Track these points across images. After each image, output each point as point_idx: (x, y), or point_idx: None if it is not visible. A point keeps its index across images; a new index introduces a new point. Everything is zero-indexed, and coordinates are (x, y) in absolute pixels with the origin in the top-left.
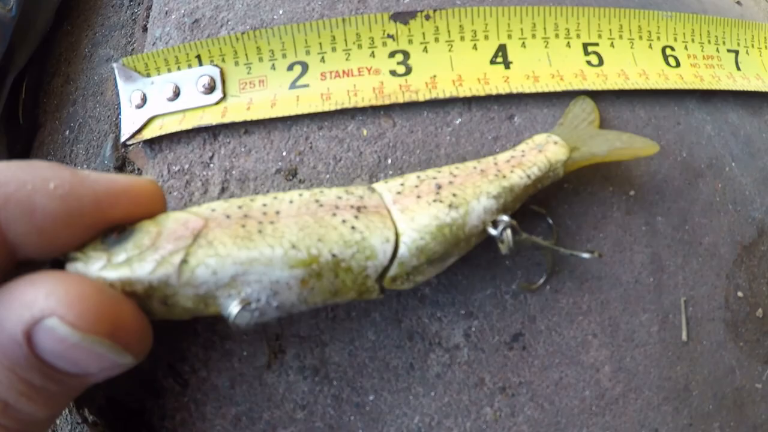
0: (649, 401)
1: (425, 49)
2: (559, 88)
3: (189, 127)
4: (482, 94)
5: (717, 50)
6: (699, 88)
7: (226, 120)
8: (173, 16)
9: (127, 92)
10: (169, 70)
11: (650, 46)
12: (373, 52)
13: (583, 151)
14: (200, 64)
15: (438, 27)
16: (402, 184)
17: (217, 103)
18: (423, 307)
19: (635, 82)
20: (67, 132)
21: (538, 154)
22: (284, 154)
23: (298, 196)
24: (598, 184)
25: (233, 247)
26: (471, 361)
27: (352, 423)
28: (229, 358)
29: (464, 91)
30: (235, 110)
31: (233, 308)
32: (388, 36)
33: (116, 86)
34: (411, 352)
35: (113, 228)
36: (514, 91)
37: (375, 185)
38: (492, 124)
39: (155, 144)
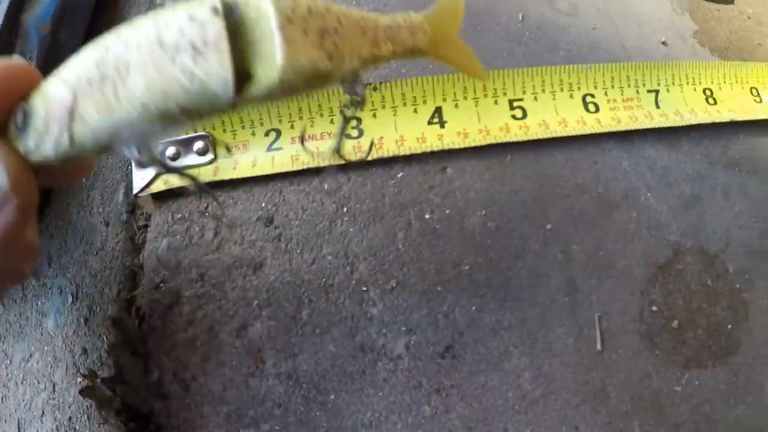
0: (567, 402)
1: (374, 115)
2: (485, 142)
3: (188, 184)
4: (419, 151)
5: (637, 92)
6: (616, 130)
7: (218, 178)
8: None
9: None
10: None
11: (571, 96)
12: (332, 120)
13: (442, 51)
14: (195, 131)
15: (384, 96)
16: (293, 9)
17: (210, 163)
18: (372, 326)
19: (554, 130)
20: (84, 180)
21: (408, 35)
22: (263, 205)
23: (144, 39)
24: (518, 221)
25: (99, 119)
26: (411, 368)
27: (318, 417)
28: (222, 367)
29: (405, 150)
30: (225, 170)
31: (125, 152)
32: (345, 107)
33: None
34: (363, 360)
35: (18, 109)
36: (447, 147)
37: None
38: (428, 176)
39: (161, 196)
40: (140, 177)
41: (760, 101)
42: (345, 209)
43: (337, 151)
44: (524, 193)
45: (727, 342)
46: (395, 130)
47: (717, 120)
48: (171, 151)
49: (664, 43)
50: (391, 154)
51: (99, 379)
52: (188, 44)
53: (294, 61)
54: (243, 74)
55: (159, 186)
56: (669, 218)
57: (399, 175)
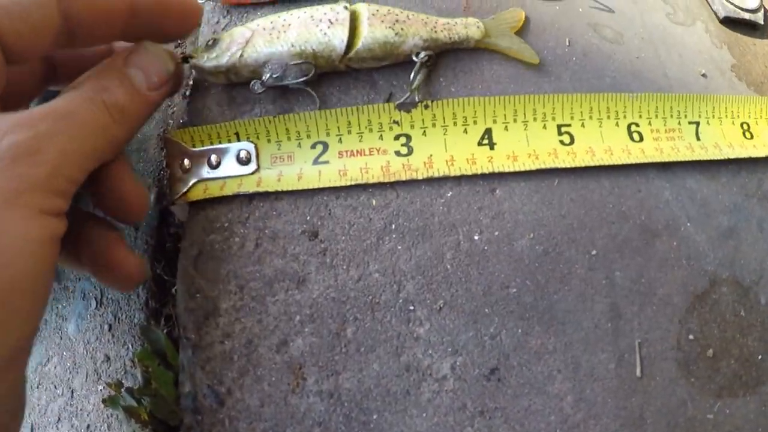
0: (606, 427)
1: (424, 133)
2: (534, 167)
3: (229, 193)
4: (470, 173)
5: (678, 123)
6: (658, 160)
7: (261, 189)
8: (213, 92)
9: (175, 160)
10: (212, 143)
11: (617, 124)
12: (381, 135)
13: (492, 41)
14: (238, 139)
15: (435, 114)
16: (378, 10)
17: (252, 173)
18: (418, 346)
19: (600, 158)
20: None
21: (463, 28)
22: (308, 218)
23: (303, 13)
24: (565, 245)
25: (264, 46)
26: (456, 390)
27: None
28: (260, 382)
29: (455, 171)
30: (268, 181)
31: (265, 75)
32: (394, 122)
33: (165, 153)
34: (408, 381)
35: (210, 38)
36: (497, 170)
37: (358, 5)
38: (478, 197)
39: (199, 203)
40: (177, 185)
41: None
42: (393, 226)
43: (407, 98)
44: (571, 217)
45: (758, 372)
46: (445, 149)
47: (753, 155)
48: (213, 158)
49: (703, 75)
50: (441, 174)
51: (124, 389)
52: (327, 19)
53: (372, 33)
54: (350, 43)
55: (198, 194)
56: (707, 248)
57: (448, 195)
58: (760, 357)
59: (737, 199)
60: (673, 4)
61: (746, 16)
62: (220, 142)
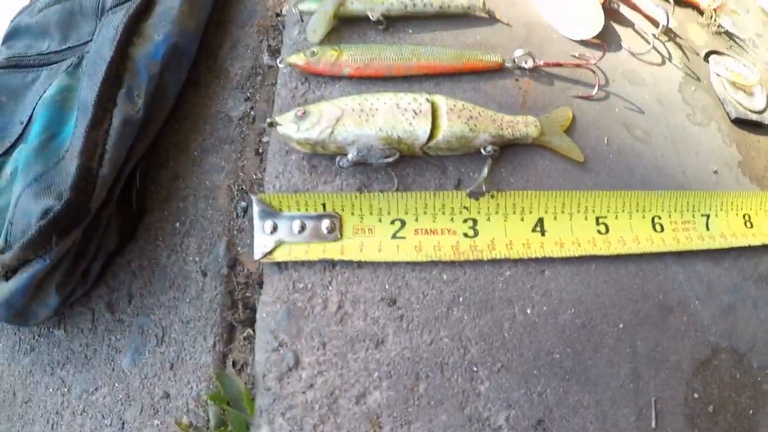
0: None
1: (488, 219)
2: (576, 253)
3: (314, 258)
4: (526, 257)
5: (693, 216)
6: (675, 249)
7: (345, 258)
8: (293, 158)
9: (262, 220)
10: (298, 210)
11: (643, 216)
12: (452, 218)
13: (547, 139)
14: (324, 210)
15: (499, 203)
16: (454, 105)
17: (335, 241)
18: (479, 400)
19: (630, 246)
20: (177, 224)
21: (523, 126)
22: (387, 287)
23: (389, 99)
24: (599, 320)
25: (353, 127)
26: None
27: None
28: (340, 429)
29: (514, 254)
30: (351, 250)
31: (351, 153)
32: (464, 207)
33: (252, 214)
34: (470, 430)
35: (299, 109)
36: (547, 255)
37: (437, 97)
38: (530, 277)
39: (282, 263)
40: (262, 243)
41: None
42: (461, 299)
43: (476, 187)
44: (604, 296)
45: (749, 424)
46: (505, 234)
47: (752, 243)
48: (297, 224)
49: (715, 172)
50: (502, 256)
51: (192, 428)
52: (412, 109)
53: (450, 128)
54: (431, 132)
55: (283, 255)
56: (710, 323)
57: (507, 273)
58: (751, 412)
59: (737, 281)
60: (692, 105)
61: (754, 117)
62: (307, 210)
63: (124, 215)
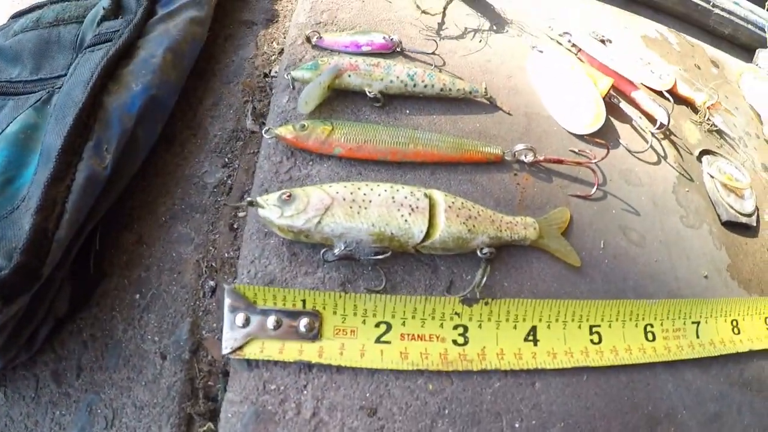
0: None
1: (480, 326)
2: (569, 365)
3: (289, 360)
4: (517, 368)
5: (684, 323)
6: (666, 359)
7: (323, 361)
8: (272, 242)
9: (233, 312)
10: (275, 305)
11: (636, 325)
12: (442, 324)
13: (545, 242)
14: (304, 307)
15: (492, 310)
16: (453, 203)
17: (313, 341)
18: None
19: (622, 357)
20: (137, 296)
21: (522, 229)
22: (367, 395)
23: (384, 191)
24: None
25: (343, 219)
26: None
27: None
28: None
29: (505, 365)
30: (331, 353)
31: (338, 247)
32: (455, 313)
33: (224, 304)
34: None
35: (285, 192)
36: (539, 367)
37: (434, 192)
38: (520, 389)
39: (252, 361)
40: (232, 337)
41: None
42: (446, 411)
43: (470, 293)
44: (594, 408)
45: None
46: (496, 342)
47: (739, 350)
48: (272, 320)
49: (706, 276)
50: (493, 367)
51: None
52: (408, 204)
53: (448, 228)
54: (427, 231)
55: (253, 351)
56: None
57: (496, 385)
58: None
59: (723, 388)
60: (686, 207)
61: (743, 219)
62: (284, 305)
63: (79, 278)
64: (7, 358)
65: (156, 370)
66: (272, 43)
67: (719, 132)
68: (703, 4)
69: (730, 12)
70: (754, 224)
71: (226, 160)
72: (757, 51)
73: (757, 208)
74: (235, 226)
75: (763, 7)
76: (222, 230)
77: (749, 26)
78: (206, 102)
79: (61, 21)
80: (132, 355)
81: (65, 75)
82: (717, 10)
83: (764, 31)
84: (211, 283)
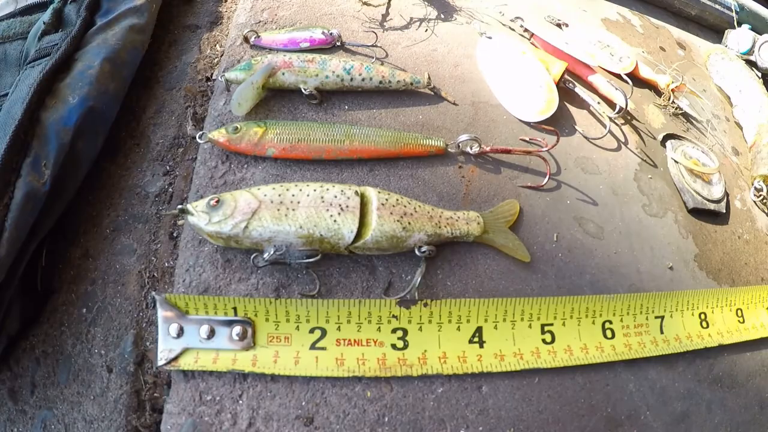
0: None
1: (420, 329)
2: (518, 367)
3: (223, 370)
4: (461, 372)
5: (646, 318)
6: (626, 358)
7: (257, 370)
8: (206, 249)
9: (167, 323)
10: (207, 314)
11: (593, 322)
12: (379, 328)
13: (490, 237)
14: (235, 314)
15: (432, 312)
16: (387, 199)
17: (247, 350)
18: None
19: (577, 357)
20: (84, 310)
21: (464, 224)
22: (303, 403)
23: (313, 191)
24: None
25: (270, 222)
26: None
27: None
28: None
29: (447, 369)
30: (265, 362)
31: (267, 252)
32: (393, 316)
33: (156, 314)
34: None
35: (213, 197)
36: (485, 370)
37: (367, 189)
38: (465, 393)
39: (188, 372)
40: (167, 348)
41: (743, 321)
42: (386, 419)
43: (407, 294)
44: (547, 412)
45: None
46: (439, 345)
47: (708, 345)
48: (205, 329)
49: (671, 268)
50: (435, 371)
51: None
52: (338, 203)
53: (381, 227)
54: (359, 231)
55: (188, 362)
56: None
57: (439, 390)
58: None
59: (691, 385)
60: (649, 195)
61: (712, 206)
62: (216, 314)
63: (28, 296)
64: None
65: (103, 384)
66: (215, 45)
67: (685, 115)
68: None
69: None
70: (723, 211)
71: (168, 167)
72: (726, 32)
73: (726, 194)
74: (175, 234)
75: None
76: (162, 239)
77: (716, 6)
78: (149, 110)
79: (7, 38)
80: (81, 370)
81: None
82: None
83: (732, 11)
84: (153, 293)
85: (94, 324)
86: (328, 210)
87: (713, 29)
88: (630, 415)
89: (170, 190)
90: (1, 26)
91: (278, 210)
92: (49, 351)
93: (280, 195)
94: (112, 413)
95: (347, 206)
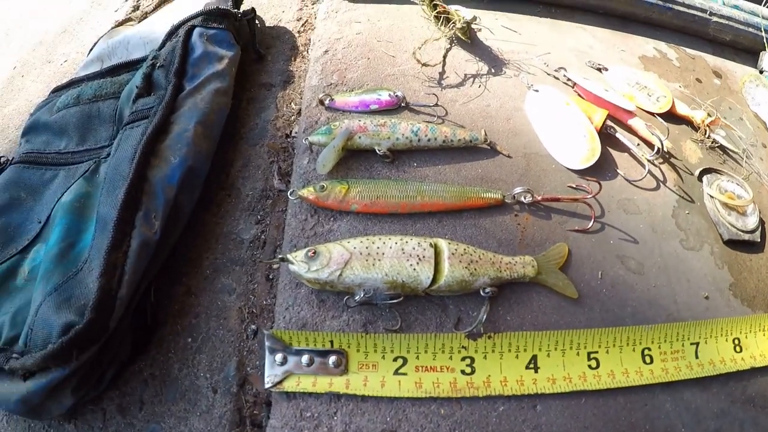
0: None
1: (485, 357)
2: (567, 389)
3: (321, 391)
4: (519, 393)
5: (682, 345)
6: (664, 380)
7: (350, 392)
8: (303, 291)
9: (272, 354)
10: (308, 345)
11: (633, 350)
12: (451, 356)
13: (543, 278)
14: (332, 346)
15: (495, 343)
16: (456, 249)
17: (341, 375)
18: None
19: (619, 380)
20: (189, 339)
21: (521, 268)
22: (388, 419)
23: (394, 243)
24: None
25: (361, 271)
26: None
27: None
28: None
29: (508, 390)
30: (356, 385)
31: (358, 294)
32: (462, 347)
33: (257, 345)
34: None
35: (310, 249)
36: (539, 392)
37: (439, 241)
38: (522, 412)
39: (290, 393)
40: (272, 374)
41: None
42: None
43: (474, 328)
44: (592, 429)
45: None
46: (500, 371)
47: (741, 368)
48: (305, 358)
49: (706, 297)
50: (497, 393)
51: None
52: (416, 254)
53: (452, 274)
54: (433, 277)
55: (291, 385)
56: None
57: (501, 409)
58: None
59: (724, 405)
60: (686, 230)
61: (746, 237)
62: (315, 345)
63: (139, 327)
64: (78, 396)
65: (209, 402)
66: (290, 104)
67: (722, 148)
68: (700, 14)
69: (728, 18)
70: (758, 240)
71: (259, 217)
72: (761, 54)
73: (762, 222)
74: (271, 276)
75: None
76: (259, 280)
77: (750, 29)
78: (236, 164)
79: (99, 97)
80: (187, 390)
81: (108, 146)
82: (715, 18)
83: (765, 32)
84: (253, 326)
85: (200, 351)
86: (408, 260)
87: (749, 51)
88: None
89: (263, 237)
90: (93, 86)
91: (366, 260)
92: (157, 374)
93: (367, 247)
94: (217, 427)
95: (424, 256)
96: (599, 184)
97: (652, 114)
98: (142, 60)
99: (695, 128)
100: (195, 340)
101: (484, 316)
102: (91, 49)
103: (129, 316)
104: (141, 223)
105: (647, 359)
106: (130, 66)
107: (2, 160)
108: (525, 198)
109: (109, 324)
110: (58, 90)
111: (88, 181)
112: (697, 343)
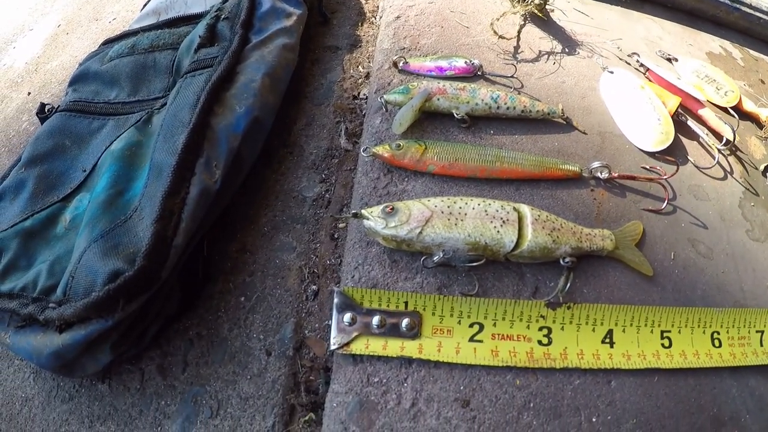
0: None
1: (562, 328)
2: (642, 366)
3: (392, 355)
4: (594, 367)
5: (748, 332)
6: (731, 365)
7: (423, 357)
8: (374, 250)
9: (340, 313)
10: (380, 306)
11: (704, 332)
12: (528, 326)
13: (620, 252)
14: (406, 308)
15: (573, 314)
16: (539, 216)
17: (414, 339)
18: None
19: (690, 361)
20: (243, 299)
21: (600, 240)
22: (462, 388)
23: (477, 205)
24: (656, 431)
25: (442, 230)
26: None
27: None
28: None
29: (584, 364)
30: (429, 350)
31: (437, 255)
32: (541, 316)
33: (333, 304)
34: None
35: (388, 205)
36: (615, 367)
37: (522, 207)
38: (597, 386)
39: (357, 356)
40: (339, 334)
41: None
42: (531, 404)
43: (554, 297)
44: (664, 408)
45: None
46: (577, 343)
47: None
48: (377, 319)
49: None
50: (574, 366)
51: None
52: (500, 217)
53: (535, 239)
54: (517, 241)
55: (359, 348)
56: None
57: (576, 382)
58: None
59: None
60: (752, 221)
61: None
62: (388, 307)
63: (187, 282)
64: (116, 353)
65: (261, 365)
66: (358, 67)
67: None
68: (765, 17)
69: None
70: None
71: (323, 175)
72: None
73: None
74: (336, 235)
75: None
76: (323, 239)
77: None
78: (300, 122)
79: (156, 47)
80: (238, 352)
81: (162, 97)
82: None
83: None
84: (314, 287)
85: (253, 311)
86: (491, 222)
87: None
88: (732, 417)
89: (327, 196)
90: (150, 36)
91: (448, 220)
92: (204, 333)
93: (449, 207)
94: (269, 392)
95: (507, 219)
96: (677, 164)
97: (720, 107)
98: (202, 15)
99: (760, 126)
100: (249, 299)
101: (568, 285)
102: (146, 4)
103: (179, 267)
104: (202, 170)
105: (716, 342)
106: (189, 20)
107: (48, 107)
108: (602, 173)
109: (161, 273)
110: (109, 42)
111: (140, 130)
112: (762, 332)
